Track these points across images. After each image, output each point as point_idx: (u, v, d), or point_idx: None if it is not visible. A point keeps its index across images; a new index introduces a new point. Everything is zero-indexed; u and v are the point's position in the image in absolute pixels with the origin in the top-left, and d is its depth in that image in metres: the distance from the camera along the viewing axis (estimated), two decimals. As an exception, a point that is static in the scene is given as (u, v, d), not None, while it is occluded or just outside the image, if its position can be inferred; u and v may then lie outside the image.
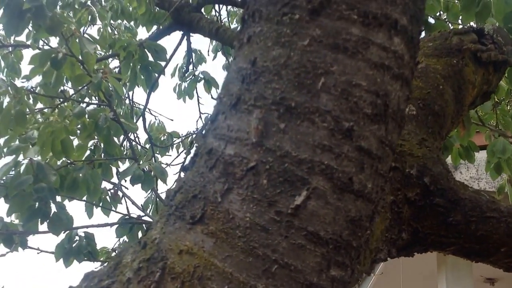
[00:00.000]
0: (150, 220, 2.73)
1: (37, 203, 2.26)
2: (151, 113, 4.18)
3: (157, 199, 2.99)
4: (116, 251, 3.05)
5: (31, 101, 3.08)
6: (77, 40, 2.67)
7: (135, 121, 3.64)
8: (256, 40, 0.88)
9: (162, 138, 4.04)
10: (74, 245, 2.62)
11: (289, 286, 0.80)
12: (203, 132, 0.92)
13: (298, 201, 0.82)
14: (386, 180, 0.92)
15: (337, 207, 0.84)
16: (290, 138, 0.83)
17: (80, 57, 2.64)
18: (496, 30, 2.07)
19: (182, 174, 0.92)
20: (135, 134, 3.67)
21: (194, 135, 4.13)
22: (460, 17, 3.29)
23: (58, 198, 2.56)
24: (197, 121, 4.36)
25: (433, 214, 1.40)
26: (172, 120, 5.20)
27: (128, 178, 2.73)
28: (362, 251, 0.89)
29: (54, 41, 3.34)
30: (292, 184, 0.82)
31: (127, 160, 3.18)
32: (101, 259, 3.00)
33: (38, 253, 2.70)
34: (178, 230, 0.84)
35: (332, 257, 0.83)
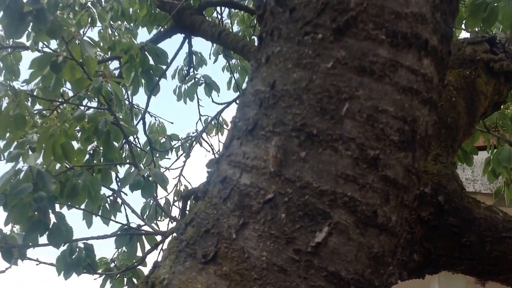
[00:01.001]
0: (150, 230, 2.67)
1: (36, 213, 2.20)
2: (150, 115, 4.12)
3: (157, 207, 2.92)
4: (115, 262, 2.98)
5: (29, 103, 3.01)
6: (77, 42, 2.60)
7: (135, 123, 3.57)
8: (275, 61, 0.82)
9: (162, 141, 3.97)
10: (73, 256, 2.55)
11: (309, 332, 0.74)
12: (217, 157, 0.86)
13: (319, 238, 0.76)
14: (411, 211, 0.86)
15: (359, 243, 0.78)
16: (311, 168, 0.77)
17: (80, 60, 2.57)
18: (508, 39, 2.01)
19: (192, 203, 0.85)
20: (135, 136, 3.60)
21: (193, 138, 4.06)
22: (464, 22, 3.24)
23: (57, 207, 2.50)
24: (196, 123, 4.29)
25: (446, 235, 1.34)
26: (172, 123, 5.14)
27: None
28: (385, 289, 0.83)
29: (54, 43, 3.28)
30: (313, 218, 0.76)
31: (127, 164, 3.11)
32: (100, 270, 2.93)
33: (37, 264, 2.63)
34: (188, 270, 0.78)
35: (355, 299, 0.77)
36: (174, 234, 0.84)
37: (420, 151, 0.84)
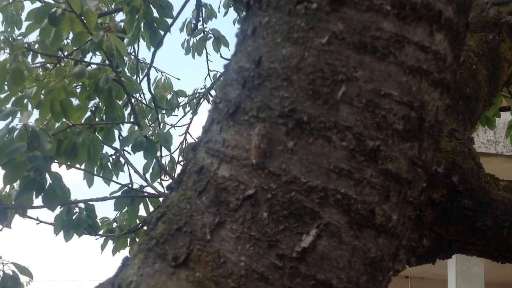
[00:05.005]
0: (154, 192, 2.58)
1: (31, 173, 2.12)
2: (157, 71, 3.99)
3: (160, 169, 2.84)
4: (117, 222, 2.91)
5: (30, 57, 2.90)
6: (77, -7, 2.47)
7: (140, 78, 3.46)
8: (263, 34, 0.70)
9: (168, 97, 3.86)
10: (74, 217, 2.49)
11: None
12: (194, 143, 0.75)
13: (306, 242, 0.65)
14: (415, 208, 0.75)
15: (353, 246, 0.67)
16: (300, 160, 0.67)
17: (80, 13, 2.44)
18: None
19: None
20: (140, 92, 3.49)
21: (201, 95, 3.94)
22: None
23: (56, 166, 2.43)
24: (205, 79, 4.16)
25: (460, 218, 1.23)
26: (179, 79, 5.01)
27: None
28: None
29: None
30: (300, 218, 0.66)
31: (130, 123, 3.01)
32: (101, 231, 2.86)
33: (37, 223, 2.58)
34: (158, 274, 0.68)
35: (347, 312, 0.67)
36: (145, 228, 0.75)
37: (429, 140, 0.72)
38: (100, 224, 2.76)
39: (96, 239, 2.73)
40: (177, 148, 3.56)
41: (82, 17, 2.45)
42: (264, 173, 0.67)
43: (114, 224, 2.95)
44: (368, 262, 0.69)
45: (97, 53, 2.74)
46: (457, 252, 1.31)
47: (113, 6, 3.30)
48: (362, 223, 0.68)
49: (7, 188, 2.57)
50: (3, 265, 2.34)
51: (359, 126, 0.67)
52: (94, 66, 2.69)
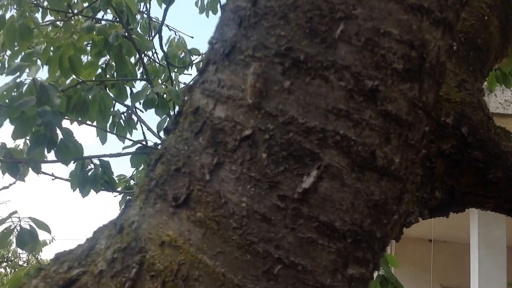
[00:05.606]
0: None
1: (42, 128, 2.12)
2: (170, 29, 3.96)
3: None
4: (134, 180, 2.92)
5: (39, 14, 2.88)
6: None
7: (152, 36, 3.43)
8: (259, -29, 0.68)
9: (181, 56, 3.84)
10: (90, 173, 2.50)
11: (294, 290, 0.65)
12: (190, 84, 0.74)
13: (307, 183, 0.65)
14: (418, 151, 0.74)
15: (356, 189, 0.66)
16: (297, 100, 0.65)
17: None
18: None
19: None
20: (153, 51, 3.47)
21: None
22: None
23: (67, 122, 2.43)
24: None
25: (470, 170, 1.22)
26: (193, 37, 4.96)
27: (141, 102, 2.57)
28: (388, 240, 0.73)
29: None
30: (299, 160, 0.65)
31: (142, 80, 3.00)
32: (119, 188, 2.88)
33: (52, 179, 2.61)
34: (159, 214, 0.68)
35: (351, 253, 0.67)
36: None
37: (429, 81, 0.71)
38: (117, 182, 2.77)
39: (115, 196, 2.75)
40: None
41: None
42: (260, 114, 0.66)
43: (132, 182, 2.97)
44: (372, 205, 0.68)
45: (108, 11, 2.72)
46: (469, 205, 1.29)
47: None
48: (364, 165, 0.67)
49: (21, 145, 2.59)
50: (20, 220, 2.35)
51: (358, 65, 0.65)
52: (103, 23, 2.67)
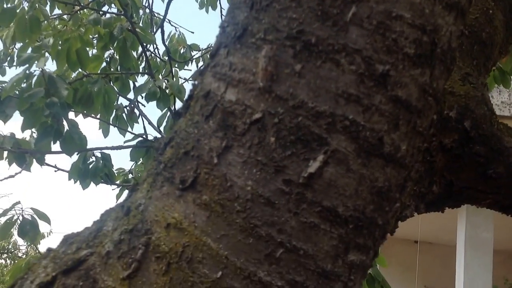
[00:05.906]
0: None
1: (49, 119, 2.14)
2: (171, 24, 3.95)
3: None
4: (133, 174, 2.94)
5: (47, 8, 2.88)
6: None
7: (154, 31, 3.43)
8: (271, -46, 0.68)
9: (181, 51, 3.84)
10: (90, 166, 2.51)
11: (296, 274, 0.65)
12: (201, 68, 0.74)
13: (312, 168, 0.64)
14: (425, 139, 0.74)
15: (361, 175, 0.66)
16: (307, 84, 0.65)
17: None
18: None
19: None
20: (154, 46, 3.47)
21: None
22: None
23: (72, 115, 2.44)
24: (219, 34, 4.10)
25: (471, 165, 1.21)
26: (193, 32, 4.98)
27: (143, 95, 2.57)
28: (388, 228, 0.73)
29: None
30: (307, 144, 0.65)
31: (145, 75, 3.01)
32: (118, 181, 2.89)
33: (55, 171, 2.61)
34: (166, 197, 0.68)
35: (352, 239, 0.67)
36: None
37: (440, 67, 0.70)
38: (116, 175, 2.78)
39: (113, 189, 2.76)
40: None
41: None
42: (271, 97, 0.66)
43: (130, 176, 2.98)
44: (375, 191, 0.68)
45: (113, 6, 2.72)
46: (466, 200, 1.29)
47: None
48: (370, 151, 0.67)
49: (27, 136, 2.60)
50: (22, 211, 2.38)
51: (369, 49, 0.65)
52: (108, 16, 2.67)
